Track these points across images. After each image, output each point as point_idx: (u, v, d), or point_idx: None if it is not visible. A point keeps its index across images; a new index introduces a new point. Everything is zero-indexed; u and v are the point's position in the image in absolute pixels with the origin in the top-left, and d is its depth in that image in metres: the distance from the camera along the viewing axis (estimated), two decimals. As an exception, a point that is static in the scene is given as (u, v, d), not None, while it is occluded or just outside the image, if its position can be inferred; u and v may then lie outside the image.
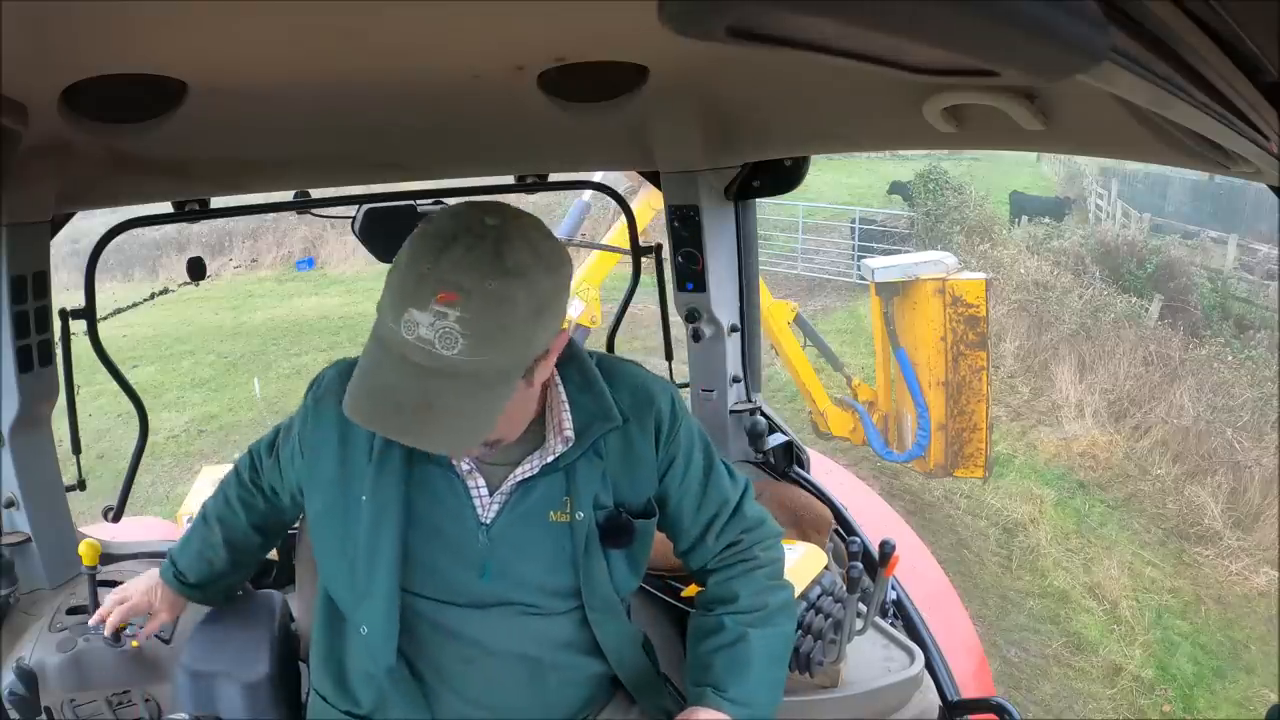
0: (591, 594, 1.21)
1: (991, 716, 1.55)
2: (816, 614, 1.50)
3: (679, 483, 1.24)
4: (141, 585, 1.45)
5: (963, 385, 6.78)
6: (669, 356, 2.36)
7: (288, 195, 2.02)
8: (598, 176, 3.09)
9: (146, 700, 1.53)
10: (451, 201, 2.08)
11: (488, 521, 1.17)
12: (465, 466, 1.16)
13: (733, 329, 2.20)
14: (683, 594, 1.65)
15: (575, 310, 5.78)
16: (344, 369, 1.21)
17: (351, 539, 1.17)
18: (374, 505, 1.15)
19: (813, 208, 15.90)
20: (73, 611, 1.61)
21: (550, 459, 1.16)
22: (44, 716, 1.43)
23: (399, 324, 0.92)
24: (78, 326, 1.78)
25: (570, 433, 1.16)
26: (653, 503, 1.24)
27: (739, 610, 1.23)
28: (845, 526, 1.97)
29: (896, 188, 16.51)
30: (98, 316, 1.83)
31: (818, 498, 2.00)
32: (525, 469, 1.16)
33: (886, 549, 1.50)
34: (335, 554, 1.20)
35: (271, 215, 12.71)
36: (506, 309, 0.93)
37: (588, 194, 6.36)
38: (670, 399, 1.25)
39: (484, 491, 1.17)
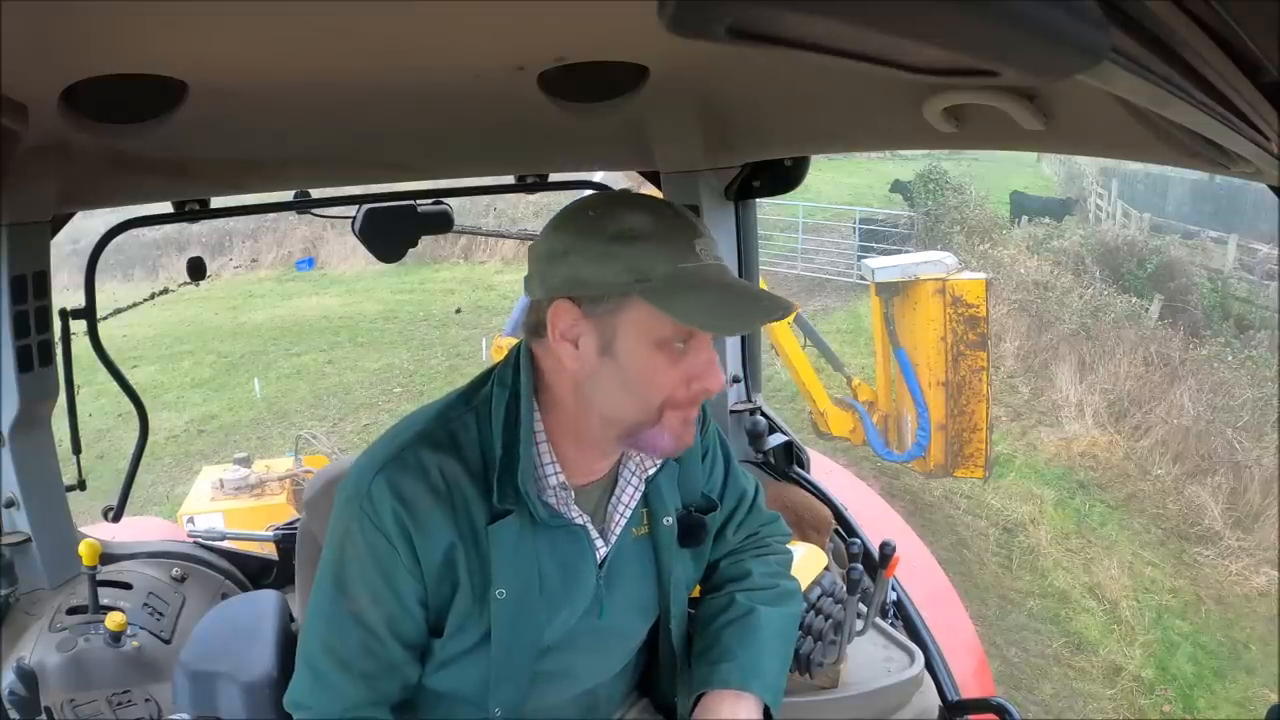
0: (676, 602, 1.18)
1: (992, 716, 1.54)
2: (817, 615, 1.49)
3: (709, 474, 1.23)
4: None
5: (963, 385, 6.79)
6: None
7: (288, 195, 2.02)
8: (598, 176, 3.08)
9: (147, 700, 1.53)
10: (452, 201, 2.09)
11: (600, 560, 1.12)
12: (579, 520, 1.08)
13: None
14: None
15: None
16: (406, 479, 1.01)
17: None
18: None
19: (813, 208, 15.91)
20: (73, 611, 1.61)
21: (652, 471, 1.12)
22: (44, 716, 1.44)
23: (698, 253, 0.95)
24: (78, 326, 1.78)
25: None
26: (711, 496, 1.22)
27: (750, 587, 1.21)
28: (846, 527, 1.97)
29: (898, 187, 16.53)
30: (98, 316, 1.83)
31: (818, 498, 2.00)
32: (632, 490, 1.11)
33: (887, 550, 1.50)
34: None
35: (271, 215, 12.71)
36: None
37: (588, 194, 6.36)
38: None
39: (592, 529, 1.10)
